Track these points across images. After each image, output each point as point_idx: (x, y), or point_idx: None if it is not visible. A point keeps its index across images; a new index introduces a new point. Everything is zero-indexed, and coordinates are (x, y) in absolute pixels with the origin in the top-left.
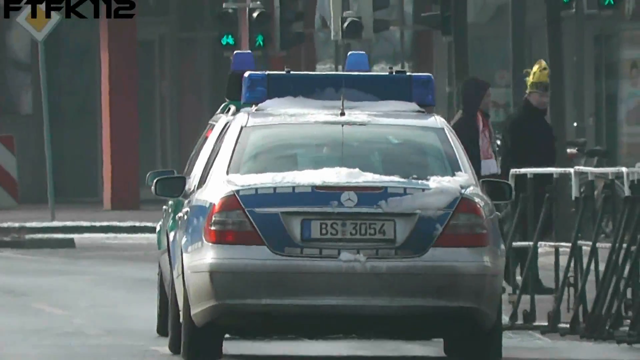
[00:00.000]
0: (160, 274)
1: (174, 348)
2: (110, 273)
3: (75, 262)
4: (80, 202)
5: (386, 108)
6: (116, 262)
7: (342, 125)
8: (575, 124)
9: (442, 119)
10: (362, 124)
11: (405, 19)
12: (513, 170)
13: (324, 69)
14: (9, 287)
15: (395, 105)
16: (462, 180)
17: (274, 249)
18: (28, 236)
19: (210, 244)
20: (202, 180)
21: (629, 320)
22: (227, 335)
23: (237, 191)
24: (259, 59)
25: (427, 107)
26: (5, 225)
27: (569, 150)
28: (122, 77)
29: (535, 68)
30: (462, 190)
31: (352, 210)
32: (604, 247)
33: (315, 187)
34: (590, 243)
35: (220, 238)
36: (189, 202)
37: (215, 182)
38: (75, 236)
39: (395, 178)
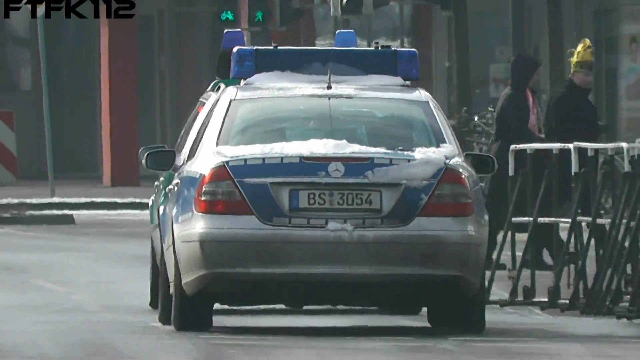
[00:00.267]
0: (153, 249)
1: (164, 319)
2: (110, 249)
3: (75, 238)
4: (80, 178)
5: (372, 82)
6: (116, 238)
7: (329, 99)
8: None
9: (427, 93)
10: (348, 97)
11: None
12: (512, 146)
13: (323, 45)
14: (8, 264)
15: (380, 79)
16: (446, 152)
17: (262, 219)
18: (27, 212)
19: (201, 214)
20: (192, 153)
21: (628, 296)
22: (218, 307)
23: (227, 162)
24: (258, 34)
25: (412, 82)
26: (4, 201)
27: None
28: (122, 53)
29: (580, 47)
30: (447, 161)
31: (339, 180)
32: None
33: (303, 158)
34: (589, 219)
35: (210, 208)
36: (179, 174)
37: (205, 154)
38: (74, 212)
39: (382, 149)
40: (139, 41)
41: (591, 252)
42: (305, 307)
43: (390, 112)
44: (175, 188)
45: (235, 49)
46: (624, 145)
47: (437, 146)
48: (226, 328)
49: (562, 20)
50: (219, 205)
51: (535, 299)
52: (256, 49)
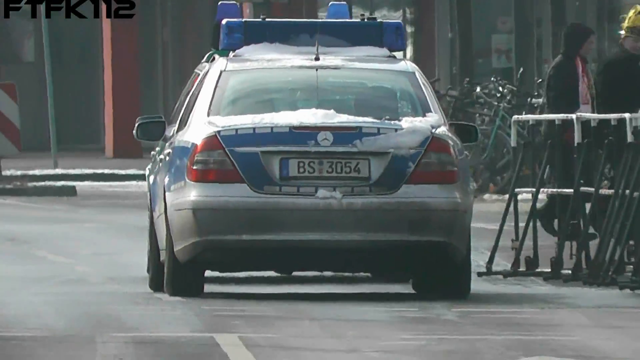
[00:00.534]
0: (151, 217)
1: (154, 286)
2: (113, 221)
3: (78, 209)
4: (82, 150)
5: (359, 53)
6: (118, 209)
7: (317, 70)
8: None
9: (413, 64)
10: (336, 67)
11: None
12: (515, 117)
13: (324, 17)
14: (11, 235)
15: (367, 50)
16: (432, 121)
17: (253, 187)
18: (30, 184)
19: (193, 182)
20: (183, 123)
21: (631, 266)
22: (210, 275)
23: (218, 132)
24: (261, 6)
25: (397, 52)
26: (7, 173)
27: None
28: (124, 24)
29: (631, 12)
30: (433, 130)
31: (328, 149)
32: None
33: (292, 128)
34: (592, 189)
35: (202, 177)
36: (170, 144)
37: (197, 124)
38: (77, 184)
39: (369, 119)
40: (141, 13)
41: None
42: (297, 274)
43: (377, 82)
44: (167, 158)
45: (224, 22)
46: (627, 115)
47: (423, 116)
48: (228, 297)
49: None
50: (211, 174)
51: (538, 270)
52: (245, 21)
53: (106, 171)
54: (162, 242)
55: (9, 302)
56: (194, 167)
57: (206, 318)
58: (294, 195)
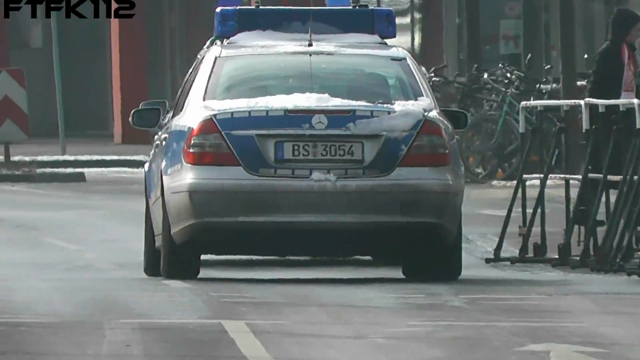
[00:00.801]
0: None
1: (149, 271)
2: (121, 207)
3: (86, 196)
4: (91, 136)
5: (351, 40)
6: (127, 196)
7: (310, 55)
8: (585, 56)
9: (404, 50)
10: (329, 53)
11: None
12: (523, 103)
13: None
14: (20, 221)
15: (359, 37)
16: (424, 105)
17: (249, 170)
18: (39, 170)
19: (189, 165)
20: (179, 108)
21: (639, 253)
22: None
23: (215, 115)
24: None
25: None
26: (15, 159)
27: (579, 82)
28: None
29: None
30: (425, 113)
31: (322, 132)
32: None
33: (287, 111)
34: (601, 175)
35: (199, 160)
36: (167, 128)
37: (193, 108)
38: (85, 170)
39: (363, 102)
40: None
41: (602, 209)
42: (293, 258)
43: (369, 68)
44: (164, 142)
45: (218, 9)
46: (635, 101)
47: (415, 100)
48: (236, 283)
49: None
50: (207, 156)
51: (546, 256)
52: (239, 9)
53: (114, 157)
54: (157, 228)
55: (17, 288)
56: (191, 150)
57: (213, 304)
58: (288, 177)
